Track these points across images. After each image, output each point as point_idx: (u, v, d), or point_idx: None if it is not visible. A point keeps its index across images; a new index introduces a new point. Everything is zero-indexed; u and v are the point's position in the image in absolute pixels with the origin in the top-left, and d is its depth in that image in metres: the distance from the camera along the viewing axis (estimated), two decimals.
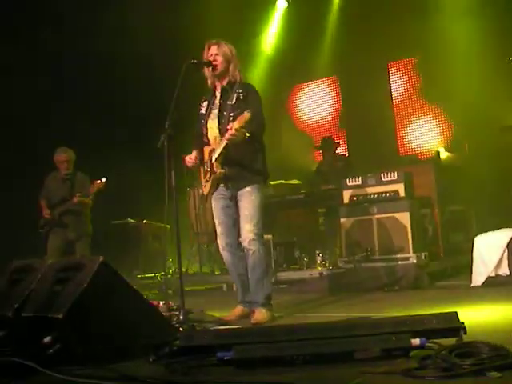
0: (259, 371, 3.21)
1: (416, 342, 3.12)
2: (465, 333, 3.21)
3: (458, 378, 2.71)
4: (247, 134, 5.05)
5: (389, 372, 2.93)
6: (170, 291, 6.67)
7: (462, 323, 3.24)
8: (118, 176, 8.50)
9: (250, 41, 11.41)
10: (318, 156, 11.38)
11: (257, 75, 11.49)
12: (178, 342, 3.57)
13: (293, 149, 11.97)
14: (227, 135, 5.05)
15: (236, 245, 5.46)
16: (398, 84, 11.55)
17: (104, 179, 7.90)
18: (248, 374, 3.20)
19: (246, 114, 4.89)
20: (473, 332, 3.31)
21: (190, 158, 5.54)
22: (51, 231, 8.17)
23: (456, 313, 3.31)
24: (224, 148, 5.17)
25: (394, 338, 3.17)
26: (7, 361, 3.73)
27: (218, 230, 5.53)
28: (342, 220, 7.53)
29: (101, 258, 3.94)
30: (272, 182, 9.18)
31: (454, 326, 3.24)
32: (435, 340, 3.22)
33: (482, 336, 3.26)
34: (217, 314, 5.57)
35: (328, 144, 9.74)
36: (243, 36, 9.87)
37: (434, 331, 3.23)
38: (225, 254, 5.54)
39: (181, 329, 4.55)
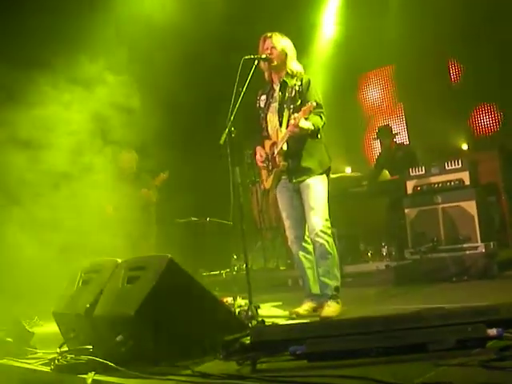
0: (332, 365, 3.17)
1: (493, 332, 3.02)
2: None
3: None
4: (312, 127, 5.04)
5: (465, 364, 2.84)
6: (235, 288, 6.69)
7: None
8: (181, 174, 8.58)
9: (309, 31, 11.25)
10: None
11: (320, 64, 11.33)
12: (248, 337, 3.57)
13: (357, 139, 11.80)
14: (291, 127, 5.03)
15: (305, 237, 5.45)
16: (455, 72, 11.28)
17: (167, 172, 8.06)
18: (321, 368, 3.17)
19: (311, 105, 4.88)
20: None
21: (261, 156, 5.50)
22: (118, 231, 8.29)
23: None
24: (287, 140, 5.16)
25: (469, 329, 3.08)
26: (85, 359, 3.83)
27: (286, 223, 5.52)
28: (407, 211, 7.41)
29: (169, 257, 3.97)
30: (333, 175, 9.09)
31: None
32: None
33: None
34: (284, 309, 5.56)
35: (385, 133, 9.47)
36: (301, 27, 9.73)
37: (511, 321, 3.14)
38: (294, 247, 5.53)
39: (250, 324, 4.55)
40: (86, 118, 7.96)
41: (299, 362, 3.26)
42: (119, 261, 4.50)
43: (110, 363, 3.63)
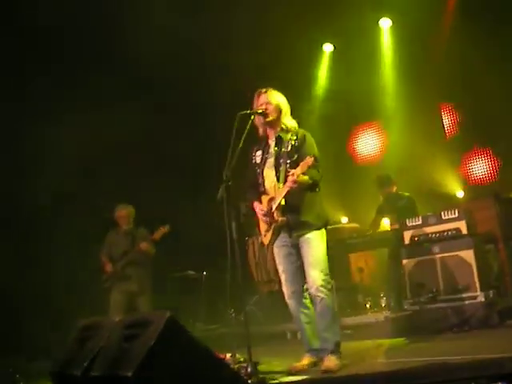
0: None
1: None
2: None
3: None
4: (310, 181, 5.07)
5: None
6: (234, 343, 6.61)
7: None
8: (177, 228, 8.56)
9: (301, 86, 11.34)
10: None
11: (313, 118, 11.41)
12: None
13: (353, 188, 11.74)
14: (290, 183, 5.04)
15: (302, 292, 5.41)
16: (449, 122, 11.28)
17: (167, 226, 8.06)
18: None
19: (309, 159, 4.91)
20: None
21: (262, 210, 5.45)
22: (114, 286, 8.23)
23: None
24: (285, 195, 5.16)
25: None
26: None
27: (282, 277, 5.48)
28: (405, 261, 7.38)
29: (167, 314, 3.92)
30: (329, 227, 9.07)
31: None
32: None
33: None
34: (283, 364, 5.48)
35: (383, 182, 9.36)
36: (294, 82, 9.83)
37: None
38: (291, 302, 5.48)
39: (250, 381, 4.48)
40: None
41: None
42: (116, 319, 4.45)
43: None
